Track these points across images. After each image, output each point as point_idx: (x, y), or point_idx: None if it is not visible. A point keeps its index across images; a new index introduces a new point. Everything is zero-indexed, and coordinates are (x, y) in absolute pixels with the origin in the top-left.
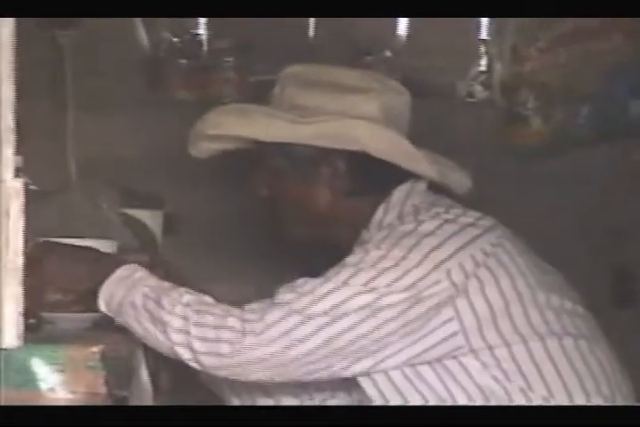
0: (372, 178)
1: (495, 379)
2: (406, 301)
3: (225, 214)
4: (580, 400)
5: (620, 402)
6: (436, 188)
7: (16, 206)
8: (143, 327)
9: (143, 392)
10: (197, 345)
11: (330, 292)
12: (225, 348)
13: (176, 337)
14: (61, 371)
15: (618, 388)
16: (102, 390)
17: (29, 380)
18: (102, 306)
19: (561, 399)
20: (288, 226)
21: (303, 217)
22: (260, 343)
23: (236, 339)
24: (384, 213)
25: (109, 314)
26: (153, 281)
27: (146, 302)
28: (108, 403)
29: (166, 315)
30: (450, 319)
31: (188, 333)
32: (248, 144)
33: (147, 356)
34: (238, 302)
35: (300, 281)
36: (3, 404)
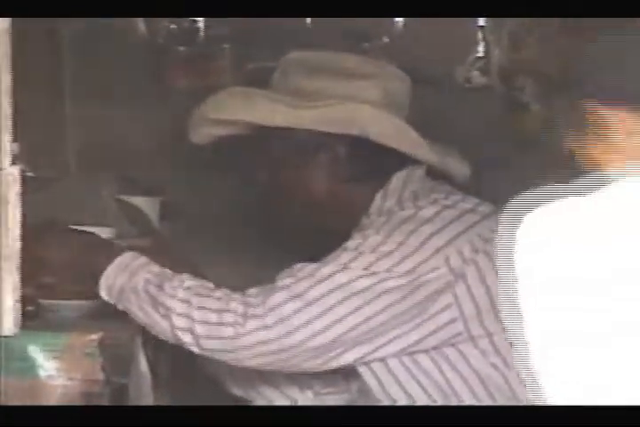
0: (372, 164)
1: (494, 366)
2: (405, 286)
3: (222, 201)
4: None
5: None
6: (433, 174)
7: (13, 193)
8: (145, 312)
9: (142, 380)
10: (199, 329)
11: (330, 275)
12: (227, 331)
13: (178, 321)
14: (59, 358)
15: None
16: (100, 376)
17: (27, 367)
18: (103, 293)
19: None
20: (286, 212)
21: (302, 203)
22: (261, 327)
23: (238, 322)
24: (383, 200)
25: (110, 301)
26: (155, 267)
27: (148, 287)
28: (106, 390)
29: (168, 299)
30: (448, 306)
31: (189, 316)
32: (249, 130)
33: (145, 344)
34: (238, 288)
35: (299, 265)
36: (2, 402)
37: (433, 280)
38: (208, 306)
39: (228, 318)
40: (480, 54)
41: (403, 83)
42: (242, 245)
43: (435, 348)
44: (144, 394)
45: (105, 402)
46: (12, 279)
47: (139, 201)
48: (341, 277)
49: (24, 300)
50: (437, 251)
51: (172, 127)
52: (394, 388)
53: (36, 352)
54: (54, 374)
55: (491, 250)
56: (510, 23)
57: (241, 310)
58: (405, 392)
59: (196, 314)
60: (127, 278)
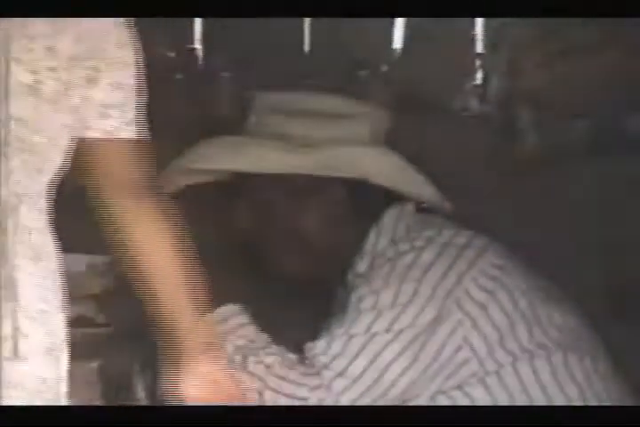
0: (366, 203)
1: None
2: (428, 336)
3: (204, 247)
4: None
5: None
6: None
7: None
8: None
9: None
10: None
11: (361, 348)
12: None
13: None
14: None
15: (621, 402)
16: (99, 404)
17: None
18: None
19: None
20: (275, 257)
21: (292, 247)
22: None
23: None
24: (376, 238)
25: None
26: (248, 332)
27: (235, 355)
28: None
29: (247, 375)
30: (460, 347)
31: (261, 395)
32: (228, 177)
33: (144, 371)
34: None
35: (323, 342)
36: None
37: (448, 324)
38: (281, 390)
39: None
40: (478, 82)
41: (383, 119)
42: (229, 289)
43: (443, 392)
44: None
45: None
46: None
47: None
48: (373, 348)
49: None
50: (448, 294)
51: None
52: None
53: None
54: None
55: (494, 286)
56: (509, 51)
57: (307, 394)
58: None
59: (268, 395)
60: (222, 336)
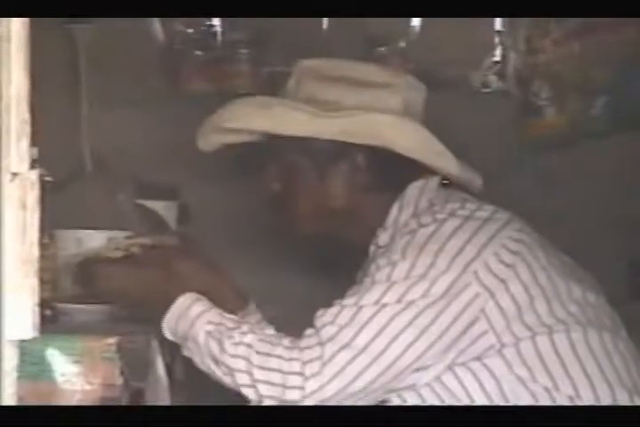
0: (390, 174)
1: (520, 380)
2: (441, 308)
3: (238, 206)
4: (604, 395)
5: None
6: (447, 183)
7: (32, 198)
8: (207, 366)
9: (159, 384)
10: (264, 389)
11: (370, 318)
12: (291, 394)
13: (241, 379)
14: (78, 362)
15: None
16: (118, 381)
17: (45, 371)
18: (168, 335)
19: (586, 397)
20: (300, 221)
21: (317, 213)
22: (320, 386)
23: (301, 383)
24: (399, 211)
25: (177, 342)
26: (214, 316)
27: (209, 341)
28: (125, 395)
29: (229, 358)
30: (478, 319)
31: (251, 374)
32: (261, 138)
33: (163, 348)
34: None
35: (335, 309)
36: (20, 396)
37: (464, 296)
38: (269, 366)
39: (291, 380)
40: (497, 59)
41: (419, 92)
42: (255, 250)
43: (462, 364)
44: (161, 398)
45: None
46: (31, 283)
47: (156, 205)
48: (381, 318)
49: (42, 304)
50: (466, 267)
51: (188, 131)
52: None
53: (53, 356)
54: (73, 378)
55: (515, 260)
56: (527, 28)
57: (299, 369)
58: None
59: (258, 374)
60: (188, 326)
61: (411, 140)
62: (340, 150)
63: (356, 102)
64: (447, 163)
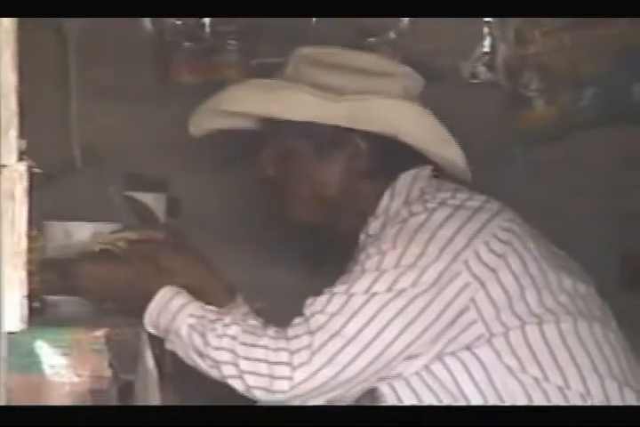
0: (389, 161)
1: (510, 370)
2: (430, 296)
3: (228, 198)
4: (593, 385)
5: (632, 385)
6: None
7: (20, 190)
8: (192, 360)
9: (148, 377)
10: (251, 380)
11: (360, 307)
12: (279, 385)
13: (227, 371)
14: (66, 354)
15: (630, 371)
16: (107, 373)
17: (34, 363)
18: (150, 329)
19: (576, 387)
20: (294, 207)
21: (312, 198)
22: (310, 374)
23: (289, 373)
24: (390, 199)
25: (159, 336)
26: (196, 309)
27: (192, 334)
28: (114, 387)
29: (213, 351)
30: (467, 308)
31: (237, 365)
32: (258, 122)
33: (152, 340)
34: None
35: (324, 297)
36: (9, 400)
37: (454, 285)
38: (255, 356)
39: (279, 371)
40: (486, 49)
41: (417, 82)
42: (245, 242)
43: (452, 353)
44: (150, 391)
45: (112, 399)
46: (19, 276)
47: (145, 197)
48: (372, 307)
49: (30, 296)
50: (456, 256)
51: (177, 123)
52: (409, 397)
53: (42, 349)
54: (61, 370)
55: (505, 249)
56: (516, 19)
57: (287, 359)
58: (418, 400)
59: (244, 365)
60: (170, 320)
61: (417, 127)
62: (342, 136)
63: (359, 88)
64: (452, 151)
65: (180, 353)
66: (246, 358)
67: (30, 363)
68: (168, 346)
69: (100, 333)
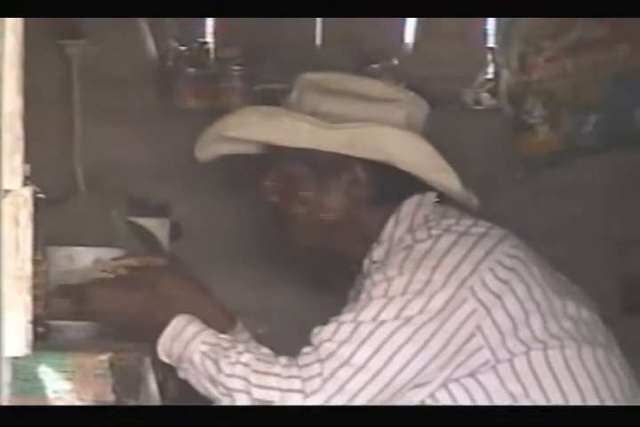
0: (388, 188)
1: (513, 397)
2: (439, 324)
3: (231, 223)
4: None
5: None
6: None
7: (25, 215)
8: (204, 388)
9: (151, 401)
10: None
11: (369, 334)
12: None
13: (240, 399)
14: (70, 379)
15: (633, 396)
16: (110, 398)
17: (38, 388)
18: (164, 358)
19: None
20: (297, 233)
21: (314, 224)
22: (323, 402)
23: (301, 401)
24: (394, 226)
25: (173, 364)
26: (209, 337)
27: (205, 362)
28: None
29: (226, 378)
30: (473, 334)
31: (250, 394)
32: (261, 148)
33: (155, 365)
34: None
35: (332, 326)
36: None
37: (461, 312)
38: (268, 384)
39: (291, 398)
40: (489, 76)
41: (422, 109)
42: (249, 266)
43: (455, 380)
44: None
45: None
46: (24, 300)
47: (148, 222)
48: (380, 335)
49: (34, 320)
50: (463, 283)
51: (180, 147)
52: None
53: (46, 373)
54: (65, 395)
55: (510, 276)
56: (520, 45)
57: (299, 386)
58: None
59: (257, 392)
60: (183, 348)
61: (412, 154)
62: (341, 163)
63: (360, 115)
64: (448, 179)
65: (193, 381)
66: (259, 386)
67: (33, 388)
68: (181, 374)
69: (103, 357)
